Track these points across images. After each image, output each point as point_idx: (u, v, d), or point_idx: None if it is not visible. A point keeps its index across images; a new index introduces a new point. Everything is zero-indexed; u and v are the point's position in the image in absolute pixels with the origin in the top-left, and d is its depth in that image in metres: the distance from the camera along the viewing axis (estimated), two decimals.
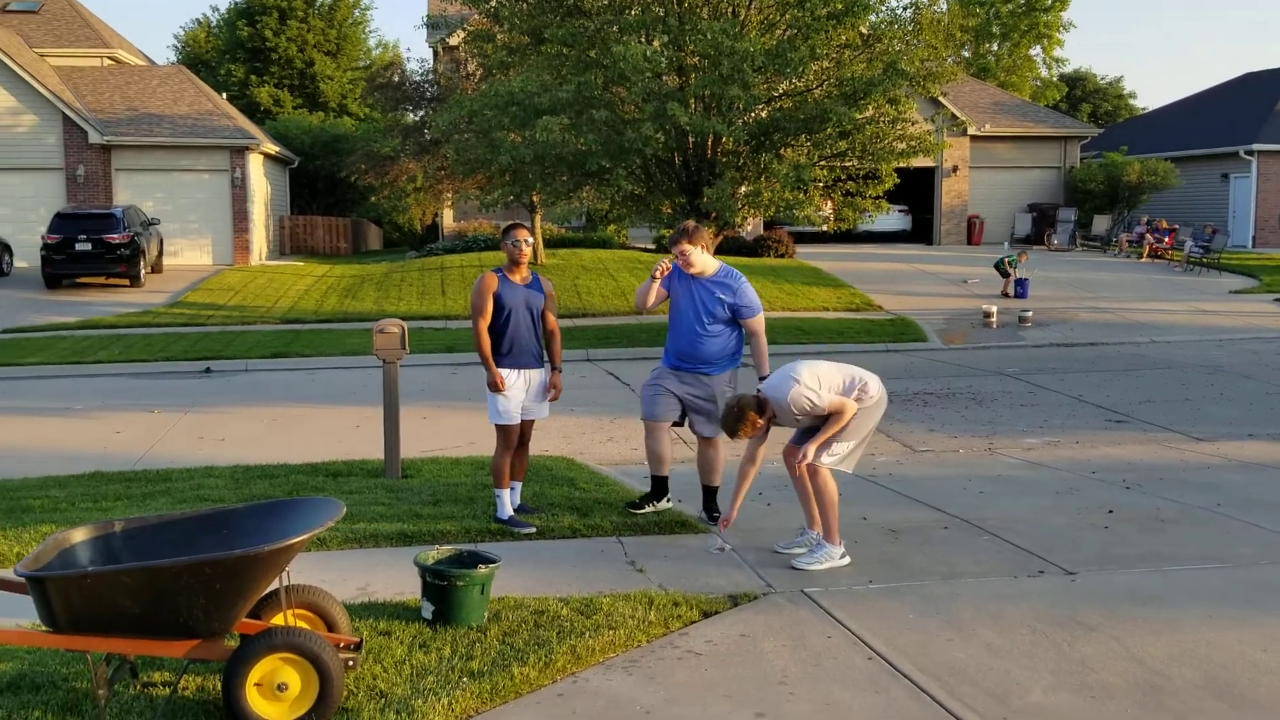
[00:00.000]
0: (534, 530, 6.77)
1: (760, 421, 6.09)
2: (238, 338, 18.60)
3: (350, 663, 4.12)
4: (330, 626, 4.39)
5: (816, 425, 6.16)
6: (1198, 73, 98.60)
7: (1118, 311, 20.66)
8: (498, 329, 6.95)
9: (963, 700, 4.18)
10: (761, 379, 6.81)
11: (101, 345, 17.65)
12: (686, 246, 6.96)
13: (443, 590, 4.96)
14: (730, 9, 17.63)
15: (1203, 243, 27.07)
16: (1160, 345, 17.31)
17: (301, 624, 4.33)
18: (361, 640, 4.32)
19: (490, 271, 7.09)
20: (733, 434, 6.16)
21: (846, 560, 6.05)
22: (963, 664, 4.53)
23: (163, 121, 28.64)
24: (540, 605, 5.27)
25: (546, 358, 7.23)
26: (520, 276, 7.02)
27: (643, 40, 16.67)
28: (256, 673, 3.91)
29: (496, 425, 7.03)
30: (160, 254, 26.44)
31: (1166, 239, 28.96)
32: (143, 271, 24.08)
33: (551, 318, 7.23)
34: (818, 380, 6.03)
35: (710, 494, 7.29)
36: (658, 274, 7.09)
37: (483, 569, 5.03)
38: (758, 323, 7.04)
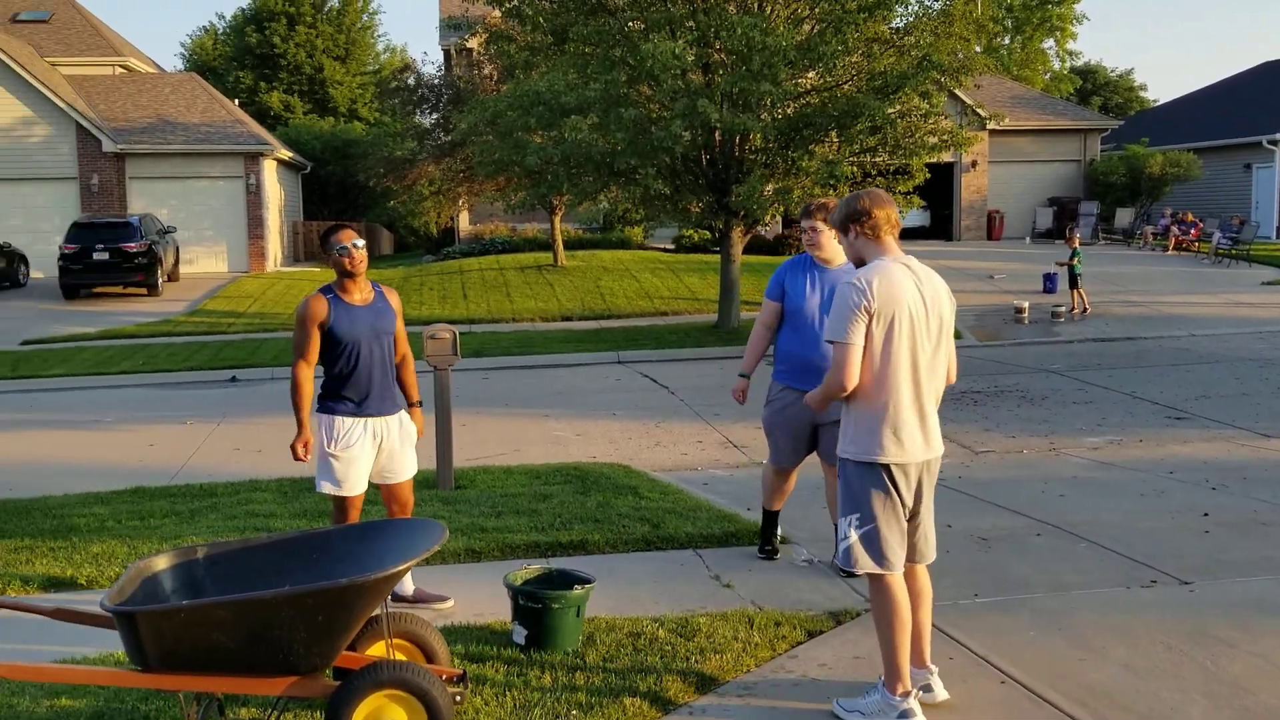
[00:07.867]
0: None
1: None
2: (261, 345, 18.31)
3: (457, 698, 3.82)
4: (430, 657, 4.08)
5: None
6: (1210, 65, 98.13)
7: (1151, 305, 20.30)
8: (338, 371, 5.10)
9: None
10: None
11: (124, 355, 17.37)
12: (818, 223, 5.65)
13: (537, 613, 4.66)
14: (756, 3, 17.32)
15: (1230, 234, 26.70)
16: (1200, 339, 16.95)
17: (400, 655, 4.03)
18: (465, 673, 4.01)
19: (317, 293, 5.14)
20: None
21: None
22: (1106, 687, 4.21)
23: (176, 129, 28.39)
24: (634, 626, 4.96)
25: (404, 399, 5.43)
26: (360, 296, 5.16)
27: (669, 37, 16.34)
28: (361, 711, 3.60)
29: (330, 495, 5.20)
30: (176, 262, 26.21)
31: (1193, 231, 28.58)
32: (160, 280, 23.84)
33: (403, 338, 5.32)
34: None
35: None
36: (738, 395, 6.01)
37: (578, 589, 4.72)
38: None
